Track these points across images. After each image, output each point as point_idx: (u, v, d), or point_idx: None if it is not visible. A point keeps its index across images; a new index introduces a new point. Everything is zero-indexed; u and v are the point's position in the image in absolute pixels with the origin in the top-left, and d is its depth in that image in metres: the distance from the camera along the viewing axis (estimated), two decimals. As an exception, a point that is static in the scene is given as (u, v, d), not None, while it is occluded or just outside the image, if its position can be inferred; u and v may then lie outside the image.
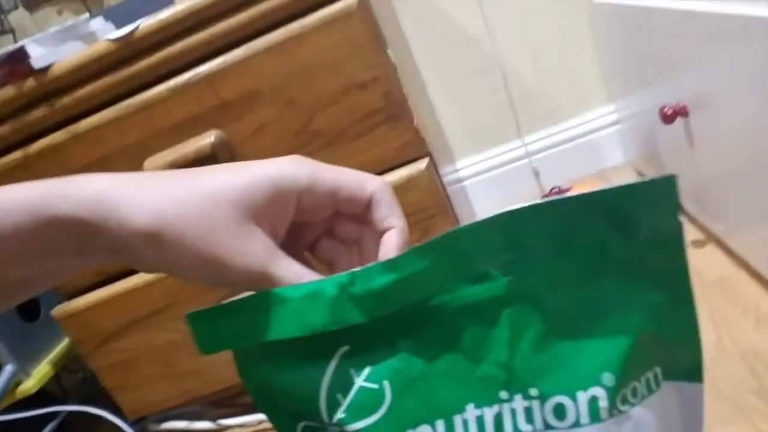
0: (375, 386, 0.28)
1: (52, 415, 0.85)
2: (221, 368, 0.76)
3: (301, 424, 0.29)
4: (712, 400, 0.54)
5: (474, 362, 0.28)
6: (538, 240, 0.27)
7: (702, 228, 0.81)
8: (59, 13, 0.87)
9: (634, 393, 0.28)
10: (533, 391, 0.27)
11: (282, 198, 0.27)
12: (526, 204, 0.26)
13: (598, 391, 0.26)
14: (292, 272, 0.27)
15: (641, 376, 0.28)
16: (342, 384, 0.28)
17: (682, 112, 0.69)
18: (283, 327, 0.27)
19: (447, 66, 1.11)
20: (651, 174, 0.94)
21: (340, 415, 0.28)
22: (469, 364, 0.28)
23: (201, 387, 0.76)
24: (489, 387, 0.27)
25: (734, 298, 0.66)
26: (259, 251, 0.27)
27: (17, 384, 0.81)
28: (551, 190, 1.09)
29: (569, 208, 0.26)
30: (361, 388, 0.28)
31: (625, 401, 0.27)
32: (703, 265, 0.74)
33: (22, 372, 0.81)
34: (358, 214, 0.30)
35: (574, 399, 0.27)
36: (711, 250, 0.76)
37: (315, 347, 0.28)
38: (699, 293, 0.68)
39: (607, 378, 0.27)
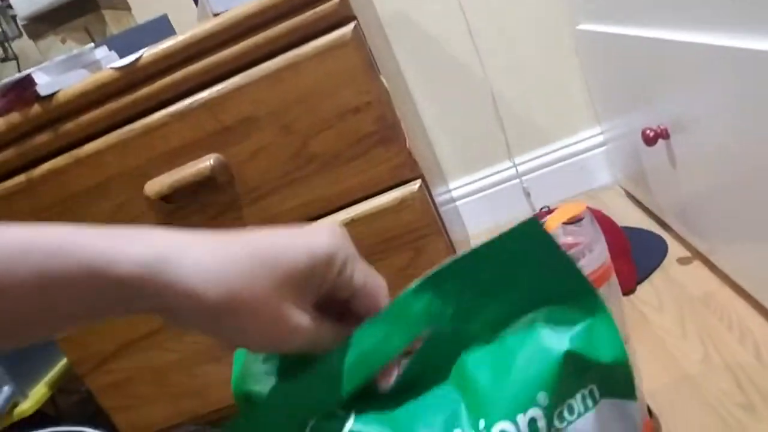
0: None
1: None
2: (218, 388, 0.77)
3: None
4: (699, 413, 0.55)
5: (424, 404, 0.31)
6: (464, 291, 0.31)
7: (687, 245, 0.83)
8: (63, 41, 0.90)
9: (571, 410, 0.30)
10: (481, 423, 0.29)
11: (330, 274, 0.30)
12: (435, 268, 0.31)
13: (535, 412, 0.29)
14: (330, 336, 0.30)
15: (576, 393, 0.30)
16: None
17: (663, 134, 0.72)
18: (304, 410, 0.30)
19: (439, 91, 1.14)
20: (638, 194, 0.97)
21: None
22: (419, 405, 0.31)
23: (198, 407, 0.77)
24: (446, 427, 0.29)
25: (719, 313, 0.68)
26: (311, 319, 0.29)
27: (14, 405, 0.81)
28: (540, 210, 1.11)
29: (472, 261, 0.31)
30: None
31: (562, 419, 0.30)
32: (689, 281, 0.76)
33: (19, 393, 0.81)
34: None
35: (515, 423, 0.29)
36: (696, 267, 0.78)
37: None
38: (685, 309, 0.70)
39: (542, 397, 0.29)
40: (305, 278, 0.28)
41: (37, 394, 0.83)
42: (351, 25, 0.64)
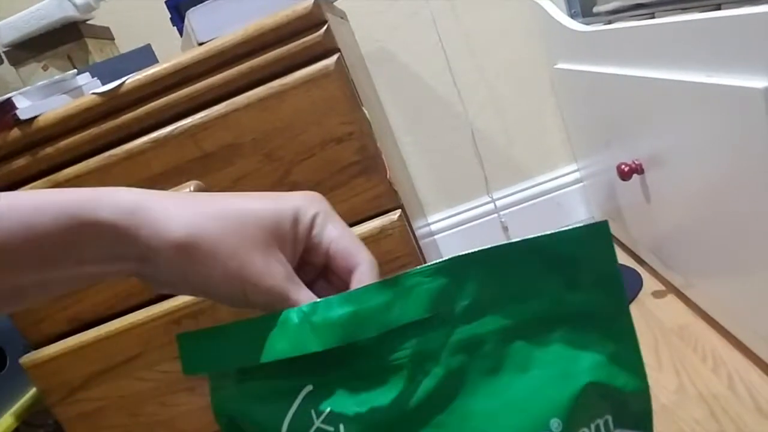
0: (331, 429, 0.28)
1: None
2: (190, 418, 0.75)
3: None
4: (674, 443, 0.56)
5: (430, 410, 0.28)
6: (489, 285, 0.28)
7: (662, 279, 0.85)
8: (45, 68, 0.90)
9: None
10: None
11: (300, 230, 0.30)
12: (476, 249, 0.28)
13: None
14: (307, 298, 0.29)
15: (590, 422, 0.28)
16: (302, 423, 0.28)
17: (637, 169, 0.74)
18: (253, 353, 0.28)
19: (419, 126, 1.16)
20: (614, 229, 0.99)
21: None
22: (424, 411, 0.28)
23: (170, 439, 0.75)
24: None
25: (693, 344, 0.69)
26: (282, 274, 0.29)
27: (-23, 438, 0.78)
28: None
29: (515, 252, 0.28)
30: (318, 429, 0.28)
31: None
32: (664, 314, 0.77)
33: (-17, 425, 0.78)
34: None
35: None
36: (671, 300, 0.80)
37: (283, 384, 0.29)
38: (660, 340, 0.71)
39: (555, 424, 0.27)
40: (273, 230, 0.29)
41: (3, 425, 0.80)
42: (334, 57, 0.65)
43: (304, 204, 0.30)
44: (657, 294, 0.82)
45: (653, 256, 0.85)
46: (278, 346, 0.28)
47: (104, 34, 0.97)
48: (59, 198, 0.27)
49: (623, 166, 0.73)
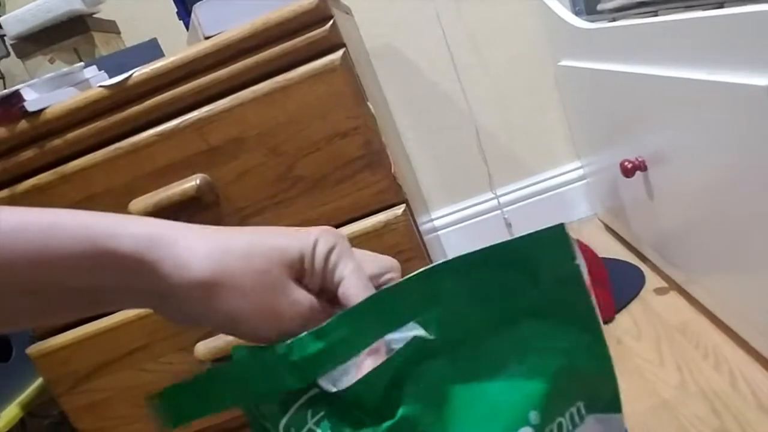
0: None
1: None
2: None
3: None
4: (675, 438, 0.56)
5: (413, 419, 0.28)
6: (454, 293, 0.29)
7: (664, 276, 0.85)
8: (51, 61, 0.90)
9: (560, 428, 0.29)
10: None
11: (316, 265, 0.30)
12: (439, 261, 0.29)
13: (527, 431, 0.28)
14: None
15: (565, 411, 0.30)
16: (298, 423, 0.30)
17: (640, 166, 0.74)
18: (232, 396, 0.30)
19: (423, 122, 1.16)
20: (616, 226, 0.99)
21: None
22: (403, 420, 0.28)
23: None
24: None
25: (695, 341, 0.69)
26: (307, 304, 0.30)
27: (-17, 426, 0.79)
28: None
29: (478, 260, 0.29)
30: (310, 429, 0.29)
31: None
32: (666, 310, 0.77)
33: (-10, 414, 0.79)
34: None
35: None
36: (673, 297, 0.80)
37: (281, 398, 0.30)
38: (662, 337, 0.71)
39: (534, 416, 0.28)
40: (296, 265, 0.29)
41: (8, 414, 0.81)
42: (340, 52, 0.65)
43: (322, 239, 0.30)
44: (659, 291, 0.83)
45: (656, 252, 0.86)
46: (257, 388, 0.29)
47: (111, 28, 0.98)
48: (76, 222, 0.27)
49: (626, 163, 0.73)
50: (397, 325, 0.29)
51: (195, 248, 0.27)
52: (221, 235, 0.29)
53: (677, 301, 0.79)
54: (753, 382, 0.59)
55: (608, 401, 0.31)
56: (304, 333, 0.29)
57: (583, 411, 0.30)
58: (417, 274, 0.29)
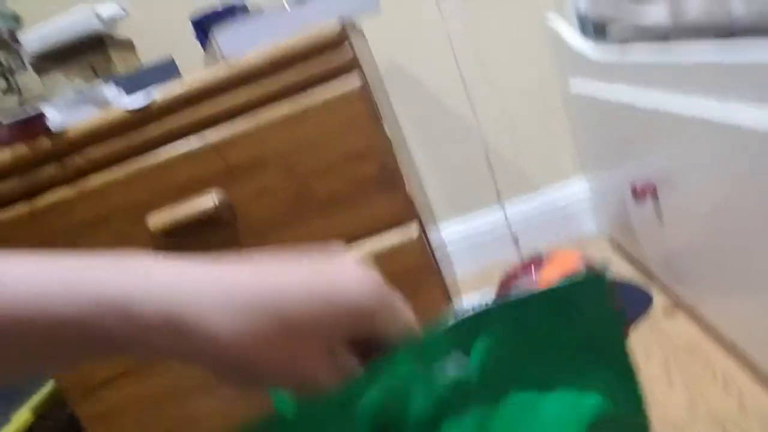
0: None
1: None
2: (209, 421, 0.76)
3: None
4: (686, 460, 0.57)
5: None
6: (497, 339, 0.29)
7: (673, 296, 0.86)
8: (68, 78, 0.92)
9: None
10: None
11: (351, 331, 0.29)
12: (482, 308, 0.29)
13: None
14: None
15: None
16: None
17: (651, 190, 0.75)
18: None
19: (432, 139, 1.18)
20: (624, 244, 1.00)
21: None
22: None
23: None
24: None
25: (704, 362, 0.70)
26: (330, 368, 0.28)
27: (-3, 430, 0.79)
28: (532, 256, 1.14)
29: (521, 308, 0.29)
30: None
31: None
32: (675, 331, 0.78)
33: (2, 417, 0.80)
34: None
35: None
36: (681, 318, 0.81)
37: None
38: (671, 358, 0.72)
39: None
40: (325, 328, 0.28)
41: (20, 419, 0.82)
42: (358, 76, 0.67)
43: (362, 299, 0.28)
44: (668, 311, 0.84)
45: (664, 273, 0.87)
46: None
47: (127, 45, 0.99)
48: (92, 280, 0.26)
49: (637, 188, 0.74)
50: (441, 376, 0.29)
51: (220, 321, 0.26)
52: (242, 293, 0.27)
53: (686, 321, 0.79)
54: (762, 405, 0.60)
55: None
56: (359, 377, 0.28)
57: None
58: (467, 318, 0.29)
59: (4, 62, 1.02)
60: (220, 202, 0.69)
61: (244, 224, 0.71)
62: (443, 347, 0.30)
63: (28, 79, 1.06)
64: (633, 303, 0.87)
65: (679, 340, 0.76)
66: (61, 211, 0.71)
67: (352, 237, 0.71)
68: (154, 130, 0.69)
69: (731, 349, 0.70)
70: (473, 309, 0.30)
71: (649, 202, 0.78)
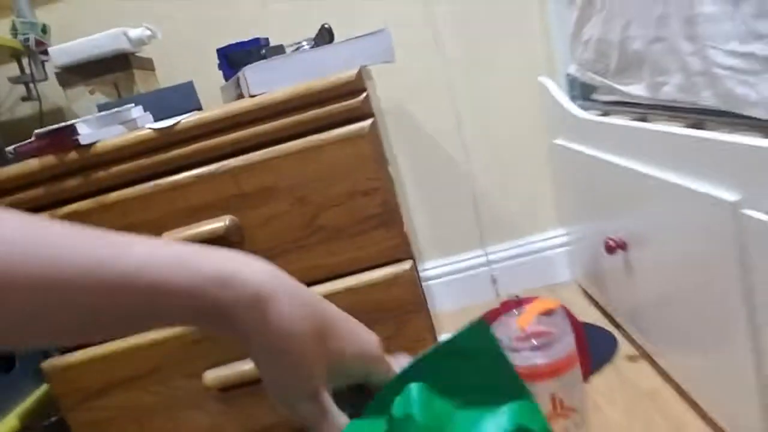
0: None
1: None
2: (197, 435, 0.80)
3: None
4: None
5: None
6: (427, 383, 0.36)
7: (636, 345, 0.93)
8: (92, 92, 0.97)
9: None
10: None
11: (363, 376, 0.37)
12: (412, 362, 0.37)
13: None
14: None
15: None
16: None
17: (622, 245, 0.83)
18: None
19: (425, 179, 1.25)
20: (594, 292, 1.07)
21: None
22: None
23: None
24: None
25: (662, 408, 0.77)
26: (326, 394, 0.35)
27: (-16, 435, 0.81)
28: (510, 299, 1.20)
29: (436, 356, 0.37)
30: None
31: None
32: (637, 377, 0.85)
33: (-10, 422, 0.82)
34: None
35: None
36: (643, 365, 0.88)
37: None
38: (632, 402, 0.79)
39: None
40: (340, 364, 0.35)
41: (6, 425, 0.84)
42: (369, 121, 0.74)
43: (378, 358, 0.37)
44: (631, 358, 0.90)
45: (629, 322, 0.94)
46: None
47: (148, 66, 1.05)
48: (193, 256, 0.32)
49: (610, 242, 0.82)
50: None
51: (292, 317, 0.32)
52: (306, 300, 0.34)
53: (647, 369, 0.86)
54: (710, 449, 0.67)
55: None
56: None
57: None
58: (409, 366, 0.37)
59: (27, 70, 1.07)
60: (230, 225, 0.74)
61: (251, 247, 0.76)
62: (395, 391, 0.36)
63: (49, 89, 1.11)
64: (600, 347, 0.94)
65: (640, 385, 0.83)
66: (80, 221, 0.76)
67: (350, 267, 0.77)
68: (176, 153, 0.74)
69: (686, 397, 0.77)
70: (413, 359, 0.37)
71: (619, 256, 0.86)
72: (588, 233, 1.05)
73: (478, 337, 0.37)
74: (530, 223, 1.28)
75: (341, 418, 0.35)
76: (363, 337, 0.36)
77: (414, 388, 0.36)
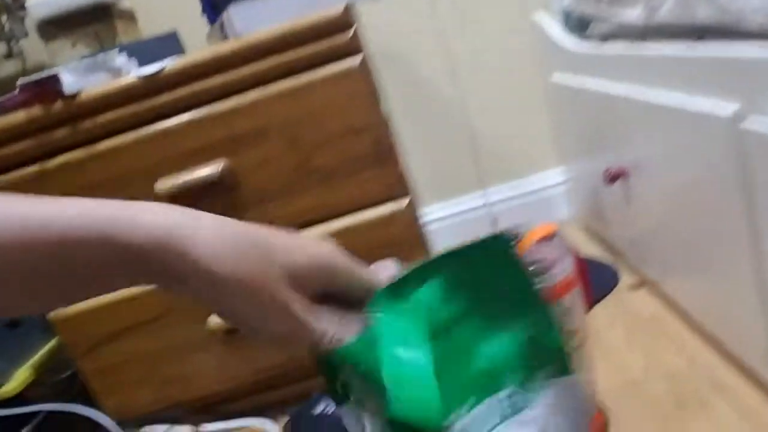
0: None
1: (28, 418, 0.87)
2: (205, 376, 0.81)
3: (341, 378, 0.37)
4: (638, 411, 0.64)
5: (425, 388, 0.34)
6: (444, 285, 0.36)
7: (639, 275, 0.93)
8: (73, 45, 0.94)
9: (532, 390, 0.37)
10: (472, 399, 0.35)
11: (328, 283, 0.34)
12: (429, 260, 0.36)
13: (504, 393, 0.36)
14: (325, 325, 0.33)
15: (534, 374, 0.37)
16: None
17: (623, 174, 0.82)
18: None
19: (419, 122, 1.23)
20: (595, 227, 1.07)
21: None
22: (422, 388, 0.35)
23: (184, 393, 0.81)
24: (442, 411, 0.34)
25: (663, 332, 0.78)
26: (299, 306, 0.32)
27: (-1, 386, 0.83)
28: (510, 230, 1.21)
29: (451, 259, 0.36)
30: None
31: (525, 398, 0.36)
32: (638, 305, 0.86)
33: (3, 374, 0.83)
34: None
35: (486, 403, 0.35)
36: (644, 294, 0.88)
37: None
38: (632, 328, 0.79)
39: (510, 379, 0.36)
40: (302, 277, 0.32)
41: (21, 376, 0.85)
42: (360, 56, 0.72)
43: (328, 260, 0.33)
44: (633, 287, 0.91)
45: (630, 252, 0.94)
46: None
47: (129, 17, 1.02)
48: (91, 214, 0.29)
49: (609, 172, 0.81)
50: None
51: (214, 248, 0.29)
52: (235, 232, 0.31)
53: (649, 297, 0.87)
54: (710, 364, 0.68)
55: (565, 366, 0.39)
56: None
57: (549, 375, 0.38)
58: (420, 265, 0.36)
59: (6, 27, 1.04)
60: (223, 169, 0.73)
61: (246, 191, 0.76)
62: (406, 288, 0.36)
63: (30, 45, 1.09)
64: (600, 280, 0.94)
65: (641, 312, 0.84)
66: (71, 173, 0.75)
67: (346, 207, 0.77)
68: (164, 98, 0.73)
69: (688, 320, 0.77)
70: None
71: (619, 186, 0.85)
72: (587, 169, 1.05)
73: (498, 246, 0.36)
74: (529, 163, 1.27)
75: (332, 318, 0.33)
76: (313, 247, 0.33)
77: (431, 287, 0.35)
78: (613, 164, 0.84)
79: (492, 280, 0.37)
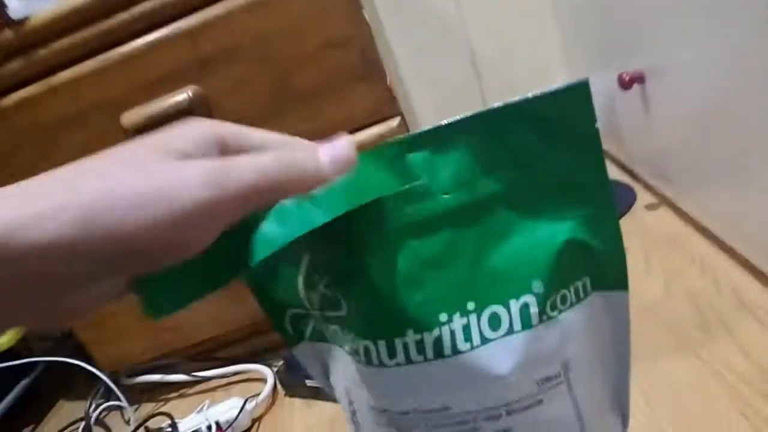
0: (331, 294, 0.30)
1: (23, 372, 0.85)
2: (197, 323, 0.77)
3: (290, 312, 0.32)
4: (658, 334, 0.59)
5: (414, 284, 0.28)
6: (467, 153, 0.28)
7: (655, 192, 0.86)
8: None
9: (564, 300, 0.30)
10: (470, 305, 0.28)
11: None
12: (458, 118, 0.27)
13: (529, 299, 0.28)
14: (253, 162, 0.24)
15: (570, 284, 0.30)
16: (311, 285, 0.30)
17: (639, 78, 0.74)
18: (257, 251, 0.24)
19: (416, 41, 1.14)
20: (609, 145, 0.99)
21: (315, 307, 0.31)
22: (409, 286, 0.28)
23: (176, 341, 0.78)
24: (428, 311, 0.28)
25: (683, 251, 0.71)
26: (204, 165, 0.22)
27: (-12, 341, 0.81)
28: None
29: (496, 117, 0.27)
30: (322, 294, 0.30)
31: (554, 307, 0.29)
32: (656, 224, 0.79)
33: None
34: None
35: (507, 308, 0.28)
36: (663, 212, 0.81)
37: (289, 255, 0.30)
38: (651, 248, 0.73)
39: (537, 285, 0.28)
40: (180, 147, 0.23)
41: (8, 333, 0.83)
42: (334, -45, 0.63)
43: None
44: (650, 206, 0.84)
45: (648, 168, 0.86)
46: (280, 231, 0.24)
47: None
48: None
49: (624, 75, 0.73)
50: (406, 179, 0.28)
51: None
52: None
53: (667, 215, 0.80)
54: (736, 284, 0.61)
55: (615, 278, 0.31)
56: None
57: (588, 286, 0.31)
58: (435, 127, 0.27)
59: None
60: (194, 96, 0.66)
61: (220, 119, 0.69)
62: (413, 156, 0.28)
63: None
64: (616, 200, 0.87)
65: (660, 232, 0.77)
66: (31, 110, 0.69)
67: (332, 131, 0.70)
68: (122, 18, 0.66)
69: (711, 237, 0.71)
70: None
71: (635, 93, 0.77)
72: (600, 76, 0.96)
73: (571, 106, 0.27)
74: (534, 76, 1.17)
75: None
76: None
77: (450, 157, 0.27)
78: (628, 67, 0.76)
79: (544, 153, 0.28)
